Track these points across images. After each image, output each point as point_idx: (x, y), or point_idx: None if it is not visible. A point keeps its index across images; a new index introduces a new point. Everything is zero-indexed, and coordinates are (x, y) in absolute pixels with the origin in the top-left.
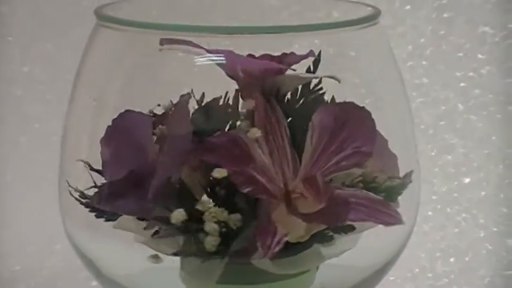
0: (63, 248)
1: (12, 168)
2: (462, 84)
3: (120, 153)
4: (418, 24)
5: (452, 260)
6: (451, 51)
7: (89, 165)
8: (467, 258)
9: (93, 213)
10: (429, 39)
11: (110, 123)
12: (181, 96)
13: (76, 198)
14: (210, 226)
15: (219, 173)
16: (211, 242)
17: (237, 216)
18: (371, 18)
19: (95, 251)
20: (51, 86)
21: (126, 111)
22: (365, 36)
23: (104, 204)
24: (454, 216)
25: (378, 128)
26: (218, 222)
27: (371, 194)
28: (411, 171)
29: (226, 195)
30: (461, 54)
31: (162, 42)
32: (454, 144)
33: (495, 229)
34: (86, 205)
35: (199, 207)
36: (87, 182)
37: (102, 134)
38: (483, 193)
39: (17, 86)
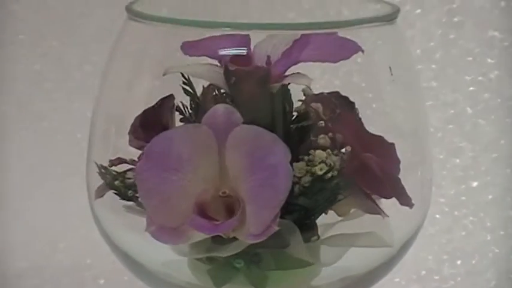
0: (68, 246)
1: (19, 166)
2: (471, 88)
3: None
4: (428, 27)
5: (459, 262)
6: (460, 55)
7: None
8: (473, 261)
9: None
10: (439, 43)
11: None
12: None
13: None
14: None
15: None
16: None
17: None
18: (390, 17)
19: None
20: (58, 84)
21: None
22: (383, 34)
23: None
24: (461, 219)
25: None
26: None
27: None
28: None
29: None
30: (470, 58)
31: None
32: (463, 148)
33: (502, 232)
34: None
35: None
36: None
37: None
38: (490, 196)
39: (24, 84)
